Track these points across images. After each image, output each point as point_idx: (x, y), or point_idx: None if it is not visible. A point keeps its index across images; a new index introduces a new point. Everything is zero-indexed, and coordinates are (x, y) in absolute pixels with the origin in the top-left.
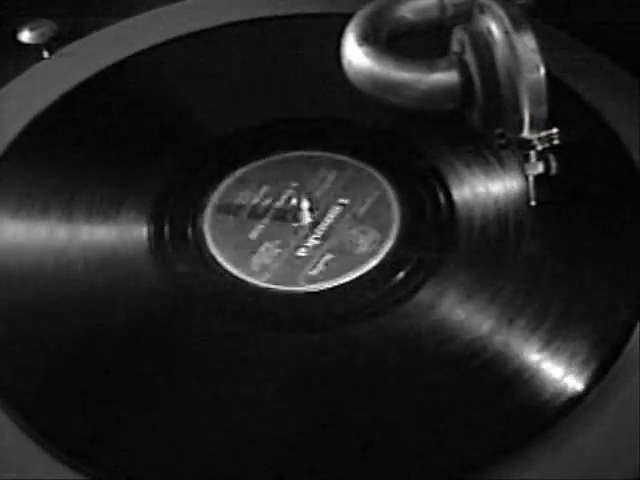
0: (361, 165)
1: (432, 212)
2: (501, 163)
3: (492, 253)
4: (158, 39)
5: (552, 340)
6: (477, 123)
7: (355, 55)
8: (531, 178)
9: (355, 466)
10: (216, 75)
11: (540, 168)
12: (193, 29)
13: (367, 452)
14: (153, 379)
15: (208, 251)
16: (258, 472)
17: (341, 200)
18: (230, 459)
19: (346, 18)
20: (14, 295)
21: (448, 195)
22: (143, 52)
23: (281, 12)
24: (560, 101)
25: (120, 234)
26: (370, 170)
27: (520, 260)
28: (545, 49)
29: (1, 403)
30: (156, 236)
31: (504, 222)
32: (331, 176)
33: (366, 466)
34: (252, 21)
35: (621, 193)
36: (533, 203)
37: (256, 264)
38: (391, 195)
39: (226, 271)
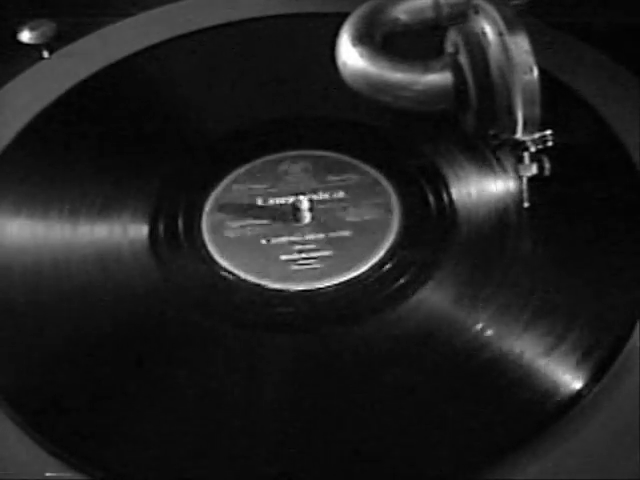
0: (361, 165)
1: (432, 212)
2: (501, 163)
3: (492, 253)
4: (158, 39)
5: (552, 340)
6: (471, 124)
7: (350, 56)
8: (525, 179)
9: (355, 466)
10: (215, 75)
11: (534, 169)
12: (193, 29)
13: (367, 452)
14: (152, 378)
15: (207, 250)
16: (257, 472)
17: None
18: (228, 458)
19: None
20: (14, 295)
21: (448, 195)
22: (143, 52)
23: (280, 12)
24: (560, 101)
25: (120, 234)
26: (370, 170)
27: (519, 260)
28: (545, 49)
29: (1, 403)
30: (156, 235)
31: (504, 222)
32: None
33: (366, 466)
34: (251, 21)
35: (620, 193)
36: (526, 204)
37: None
38: (391, 195)
39: (226, 271)
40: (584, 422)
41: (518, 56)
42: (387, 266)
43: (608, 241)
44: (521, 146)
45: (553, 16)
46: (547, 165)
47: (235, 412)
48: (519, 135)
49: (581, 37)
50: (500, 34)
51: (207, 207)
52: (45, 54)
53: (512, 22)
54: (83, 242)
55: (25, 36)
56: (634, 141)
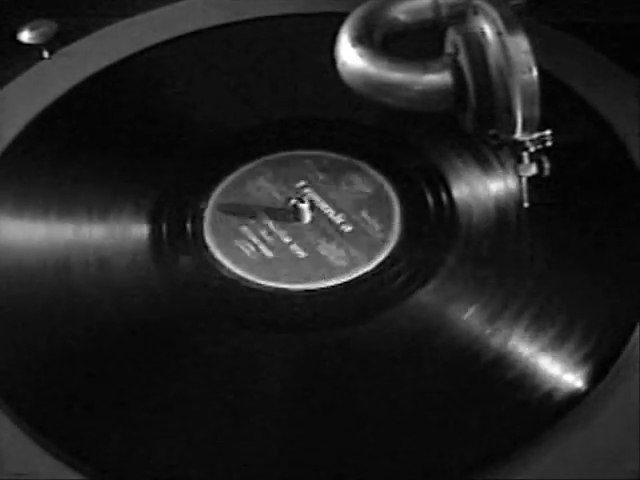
0: (361, 165)
1: (432, 212)
2: (502, 162)
3: (492, 253)
4: (158, 39)
5: (552, 340)
6: (470, 124)
7: (349, 56)
8: (524, 179)
9: (354, 466)
10: (216, 75)
11: (533, 169)
12: (193, 29)
13: (366, 453)
14: (152, 379)
15: (208, 250)
16: (257, 472)
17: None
18: (228, 459)
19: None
20: (14, 295)
21: (448, 195)
22: (143, 52)
23: (280, 12)
24: (559, 101)
25: (120, 234)
26: (370, 170)
27: (520, 260)
28: (544, 49)
29: (1, 403)
30: (156, 236)
31: (504, 222)
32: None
33: (365, 466)
34: (251, 21)
35: (620, 193)
36: (526, 204)
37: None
38: (391, 195)
39: (226, 270)
40: (584, 423)
41: (517, 56)
42: (388, 266)
43: (608, 241)
44: (520, 146)
45: (553, 16)
46: (547, 165)
47: (236, 412)
48: (518, 135)
49: (581, 37)
50: (499, 34)
51: (208, 207)
52: (45, 54)
53: (511, 22)
54: (83, 243)
55: (25, 36)
56: (634, 141)
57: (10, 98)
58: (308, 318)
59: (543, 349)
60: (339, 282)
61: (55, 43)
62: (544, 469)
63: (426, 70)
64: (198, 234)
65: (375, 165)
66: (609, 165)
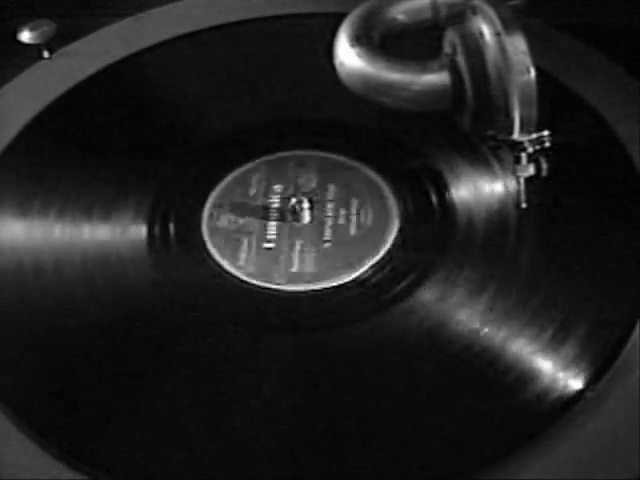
0: (360, 165)
1: (431, 212)
2: (501, 163)
3: (490, 254)
4: (158, 39)
5: (552, 340)
6: (468, 125)
7: (347, 56)
8: (522, 180)
9: (353, 467)
10: (215, 75)
11: (531, 170)
12: (193, 29)
13: (365, 453)
14: (152, 379)
15: (207, 251)
16: (256, 472)
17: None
18: (227, 459)
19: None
20: (14, 295)
21: (447, 195)
22: (143, 52)
23: (280, 12)
24: (559, 101)
25: (120, 234)
26: (369, 170)
27: (519, 261)
28: (544, 49)
29: (0, 403)
30: (155, 236)
31: (504, 223)
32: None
33: (365, 467)
34: (250, 21)
35: (620, 193)
36: (524, 205)
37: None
38: (389, 196)
39: (225, 271)
40: (584, 423)
41: (515, 56)
42: (386, 267)
43: (608, 241)
44: (518, 147)
45: (552, 16)
46: (544, 166)
47: (235, 412)
48: (516, 136)
49: (581, 37)
50: (497, 34)
51: (207, 207)
52: (45, 54)
53: (509, 22)
54: (83, 243)
55: (25, 36)
56: (634, 141)
57: (10, 98)
58: (306, 318)
59: (542, 349)
60: (338, 282)
61: (55, 43)
62: (544, 469)
63: (424, 70)
64: (197, 234)
65: (373, 165)
66: (608, 165)
